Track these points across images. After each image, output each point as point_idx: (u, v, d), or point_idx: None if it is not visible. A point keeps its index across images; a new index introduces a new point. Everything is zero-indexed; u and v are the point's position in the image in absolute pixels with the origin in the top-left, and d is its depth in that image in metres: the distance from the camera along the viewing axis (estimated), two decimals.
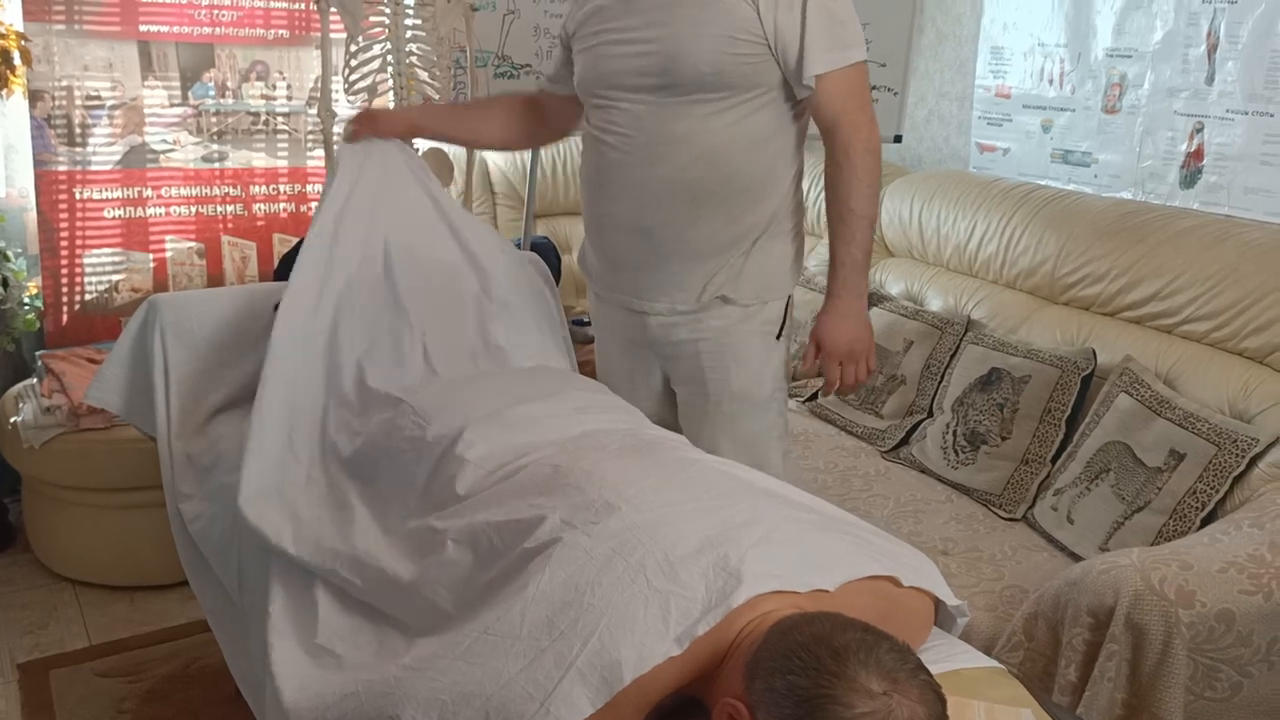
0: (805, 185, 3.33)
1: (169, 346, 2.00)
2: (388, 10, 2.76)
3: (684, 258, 1.85)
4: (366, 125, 1.98)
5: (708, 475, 1.27)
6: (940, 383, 2.53)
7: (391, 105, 2.85)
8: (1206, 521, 1.88)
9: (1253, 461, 1.89)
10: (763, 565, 1.06)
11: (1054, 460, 2.23)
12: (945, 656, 1.20)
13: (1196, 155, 2.73)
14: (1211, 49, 2.67)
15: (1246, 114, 2.60)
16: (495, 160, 3.73)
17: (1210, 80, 2.67)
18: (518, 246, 2.82)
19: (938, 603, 1.27)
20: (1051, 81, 3.08)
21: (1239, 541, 1.66)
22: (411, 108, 2.29)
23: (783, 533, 1.13)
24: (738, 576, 1.04)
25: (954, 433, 2.40)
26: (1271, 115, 2.55)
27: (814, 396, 2.82)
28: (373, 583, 1.34)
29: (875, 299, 2.83)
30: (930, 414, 2.53)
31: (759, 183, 1.82)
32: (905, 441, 2.53)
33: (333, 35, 2.82)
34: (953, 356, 2.53)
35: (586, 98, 1.92)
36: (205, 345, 2.04)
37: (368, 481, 1.57)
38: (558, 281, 2.71)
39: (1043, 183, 2.96)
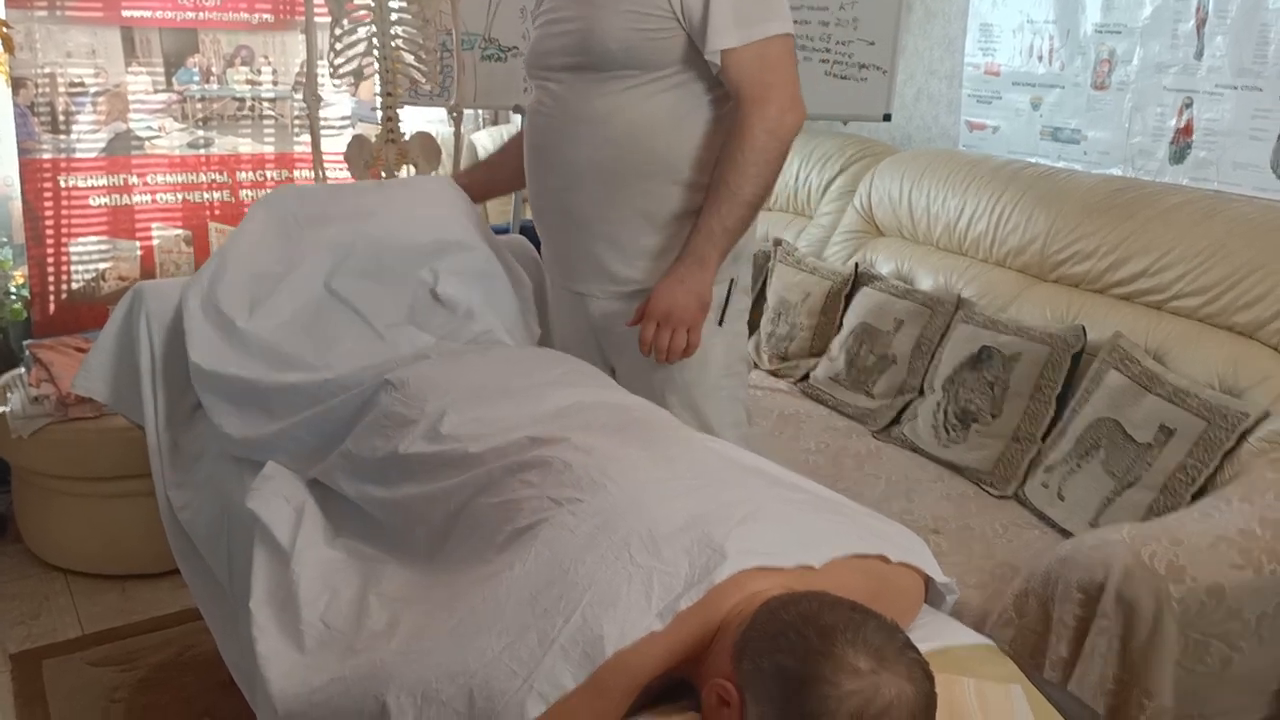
0: (792, 163, 3.31)
1: (155, 335, 1.98)
2: None
3: (607, 239, 1.84)
4: None
5: (695, 453, 1.28)
6: (931, 361, 2.53)
7: (377, 89, 2.83)
8: (1197, 497, 1.89)
9: (1242, 436, 1.89)
10: (747, 542, 1.06)
11: (1044, 438, 2.23)
12: (935, 634, 1.19)
13: (1186, 131, 2.72)
14: (1200, 24, 2.65)
15: (1235, 89, 2.59)
16: (483, 143, 3.71)
17: (1199, 55, 2.66)
18: (507, 230, 2.81)
19: (928, 580, 1.27)
20: (1040, 58, 3.07)
21: (1229, 517, 1.66)
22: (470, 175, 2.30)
23: (768, 511, 1.13)
24: (721, 552, 1.04)
25: (945, 411, 2.40)
26: (1260, 90, 2.54)
27: (805, 376, 2.81)
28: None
29: (867, 278, 2.82)
30: (921, 393, 2.53)
31: (680, 163, 1.79)
32: (897, 421, 2.53)
33: (317, 19, 2.80)
34: (943, 335, 2.53)
35: (529, 77, 1.94)
36: None
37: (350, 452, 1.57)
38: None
39: (1032, 160, 2.95)
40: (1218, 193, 2.53)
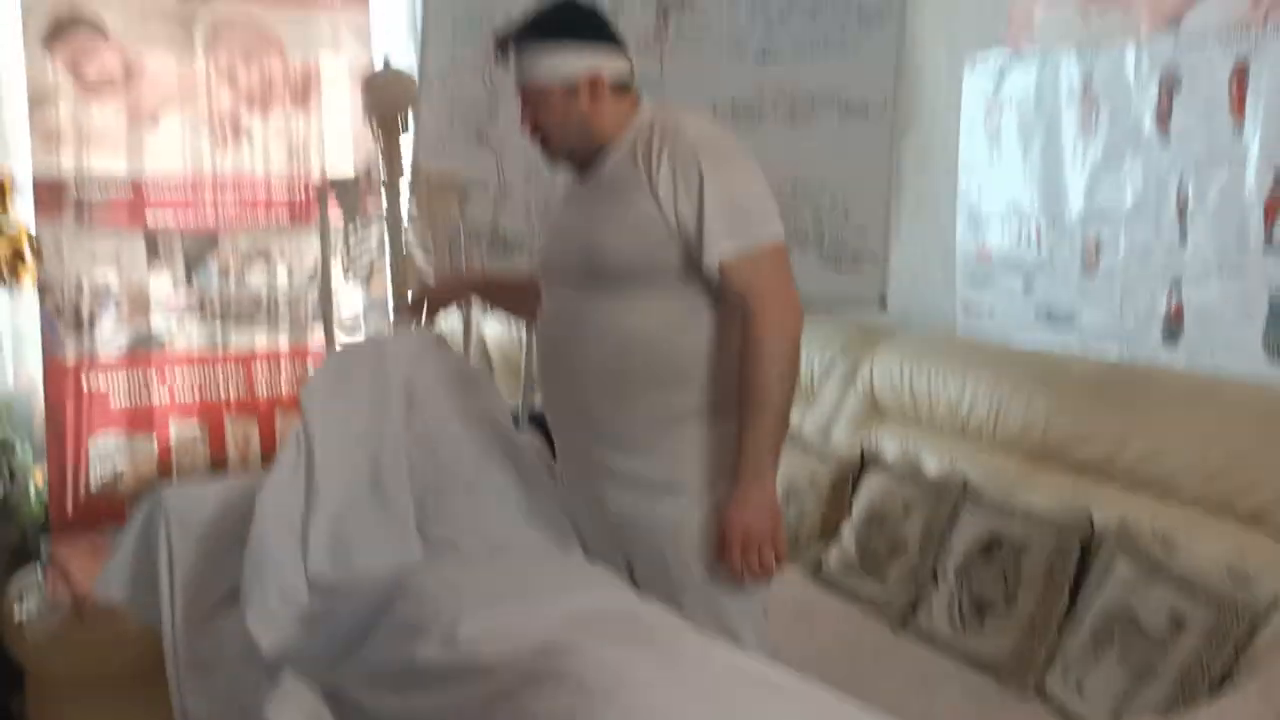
0: None
1: (174, 539, 2.03)
2: (384, 196, 2.88)
3: (619, 441, 1.89)
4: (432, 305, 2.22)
5: (705, 664, 1.30)
6: (942, 548, 2.54)
7: (389, 285, 2.95)
8: (1214, 689, 1.87)
9: (1254, 626, 1.89)
10: None
11: (1060, 628, 2.22)
12: None
13: (1176, 313, 2.80)
14: (1181, 211, 2.77)
15: (1221, 273, 2.68)
16: (492, 333, 3.81)
17: (1183, 240, 2.77)
18: (515, 418, 2.86)
19: None
20: (1030, 243, 3.18)
21: (1243, 713, 1.65)
22: (462, 275, 2.44)
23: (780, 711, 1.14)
24: None
25: (959, 601, 2.40)
26: (1246, 273, 2.63)
27: (818, 562, 2.82)
28: None
29: (873, 463, 2.86)
30: (935, 581, 2.52)
31: (686, 366, 1.86)
32: (912, 610, 2.52)
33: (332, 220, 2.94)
34: (952, 522, 2.54)
35: (540, 283, 2.04)
36: (210, 537, 2.08)
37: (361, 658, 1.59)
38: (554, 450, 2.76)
39: (1028, 341, 3.02)
40: (1213, 376, 2.59)
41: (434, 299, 2.27)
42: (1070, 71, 3.04)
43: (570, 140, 1.88)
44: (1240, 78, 2.62)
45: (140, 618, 2.14)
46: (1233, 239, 2.65)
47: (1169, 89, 2.78)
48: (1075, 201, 3.04)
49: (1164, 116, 2.80)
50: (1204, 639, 1.93)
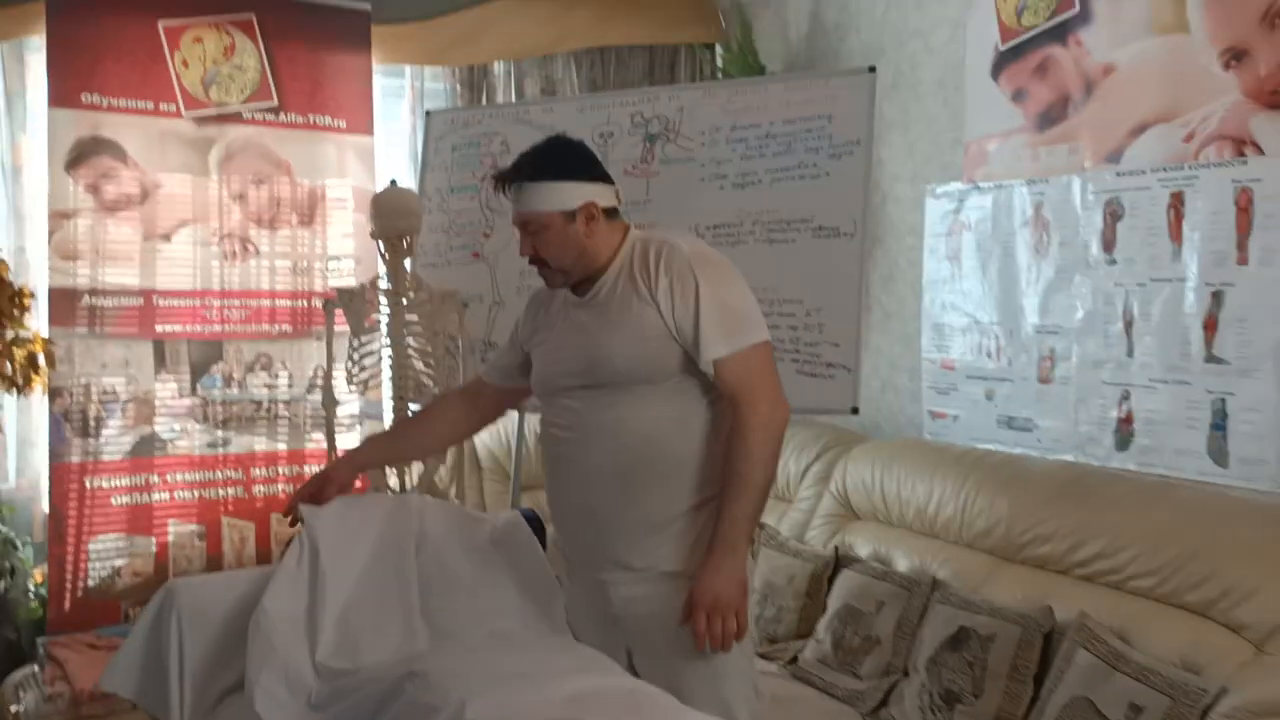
0: None
1: (185, 631, 2.11)
2: (387, 309, 3.06)
3: (627, 534, 2.03)
4: (324, 489, 2.22)
5: None
6: (913, 642, 2.66)
7: (389, 392, 3.10)
8: None
9: (1205, 712, 2.02)
10: None
11: (1025, 717, 2.34)
12: None
13: (1127, 421, 2.99)
14: (1128, 325, 2.99)
15: (1166, 383, 2.89)
16: (482, 439, 3.95)
17: (1130, 353, 2.98)
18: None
19: None
20: (990, 355, 3.40)
21: None
22: (353, 452, 2.55)
23: None
24: None
25: (930, 693, 2.51)
26: (1189, 384, 2.83)
27: (794, 659, 2.92)
28: None
29: (847, 561, 3.00)
30: (906, 673, 2.64)
31: (688, 461, 2.02)
32: (885, 703, 2.63)
33: (337, 329, 3.10)
34: (922, 616, 2.68)
35: (539, 396, 2.18)
36: (218, 629, 2.16)
37: None
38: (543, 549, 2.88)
39: (991, 447, 3.20)
40: (1163, 478, 2.77)
41: (336, 481, 2.27)
42: (1022, 200, 3.30)
43: (567, 263, 2.06)
44: (1177, 206, 2.88)
45: (148, 708, 2.22)
46: (1176, 352, 2.87)
47: (1113, 216, 3.03)
48: (1030, 317, 3.27)
49: (1109, 241, 3.05)
50: None
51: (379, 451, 2.51)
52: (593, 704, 1.53)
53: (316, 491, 2.22)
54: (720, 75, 4.25)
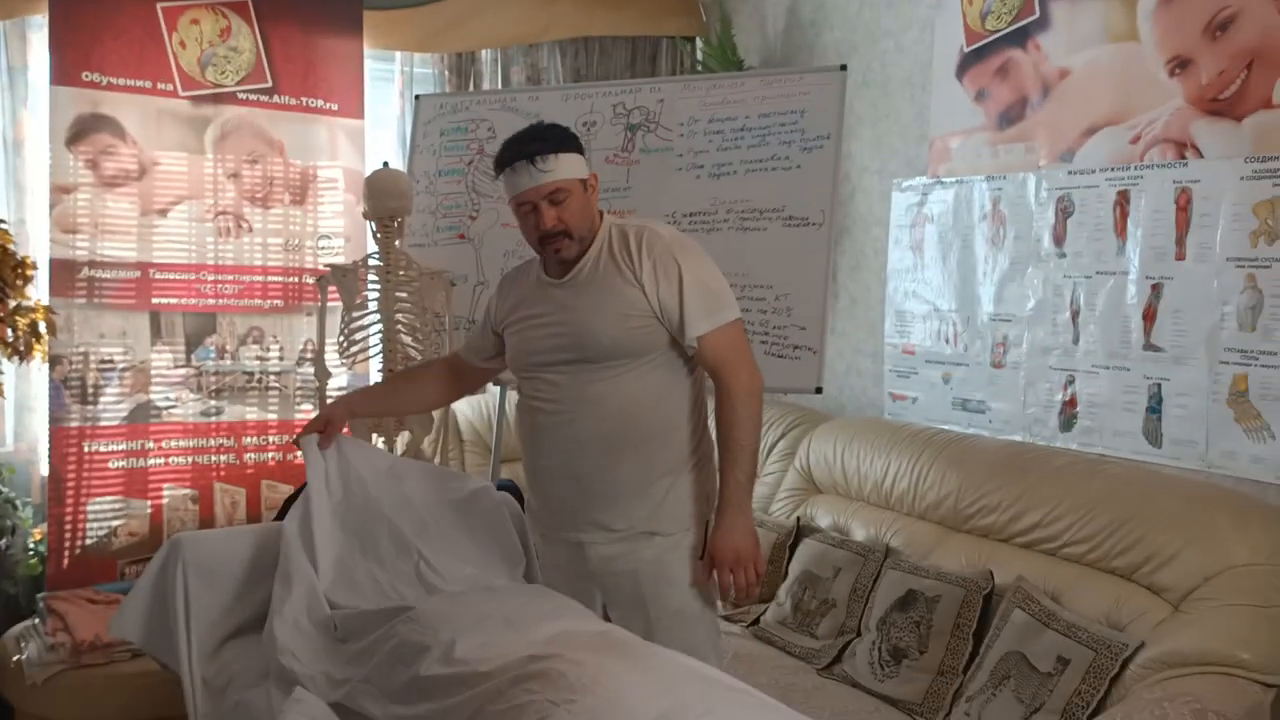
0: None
1: (189, 581, 2.27)
2: (379, 285, 3.21)
3: (609, 497, 2.21)
4: (327, 427, 2.41)
5: (664, 664, 1.59)
6: (866, 604, 2.86)
7: (379, 365, 3.25)
8: (1092, 717, 2.19)
9: (1125, 664, 2.22)
10: None
11: (965, 670, 2.54)
12: None
13: (1071, 404, 3.20)
14: (1074, 315, 3.19)
15: (1108, 369, 3.10)
16: (464, 411, 4.12)
17: (1076, 340, 3.18)
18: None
19: None
20: (948, 341, 3.59)
21: None
22: (349, 396, 2.72)
23: (723, 710, 1.44)
24: None
25: (879, 649, 2.71)
26: (1128, 369, 3.04)
27: (756, 621, 3.11)
28: None
29: (808, 531, 3.19)
30: (859, 633, 2.84)
31: (664, 429, 2.21)
32: (838, 659, 2.82)
33: (329, 305, 3.25)
34: (875, 581, 2.87)
35: (517, 372, 2.34)
36: (221, 579, 2.33)
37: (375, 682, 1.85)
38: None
39: (946, 427, 3.40)
40: (1099, 455, 2.98)
41: (332, 424, 2.44)
42: (982, 195, 3.49)
43: (585, 232, 2.20)
44: (1123, 204, 3.08)
45: (154, 653, 2.38)
46: (1117, 340, 3.07)
47: (1064, 212, 3.23)
48: (986, 306, 3.46)
49: (1060, 235, 3.24)
50: (1084, 675, 2.27)
51: (373, 402, 2.70)
52: (567, 642, 1.70)
53: (321, 428, 2.40)
54: (700, 68, 4.41)
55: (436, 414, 3.42)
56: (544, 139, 2.19)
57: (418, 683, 1.74)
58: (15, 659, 2.88)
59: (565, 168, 2.17)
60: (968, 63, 3.55)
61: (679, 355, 2.22)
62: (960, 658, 2.55)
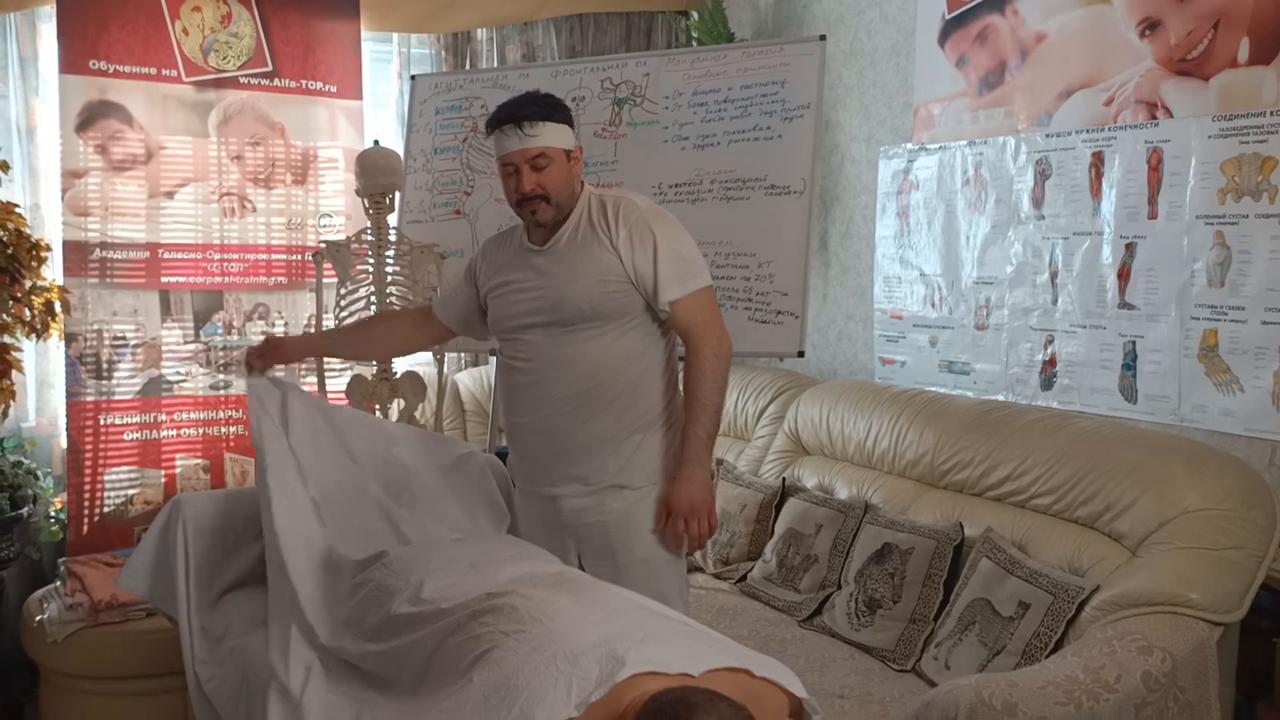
0: (731, 395, 3.83)
1: (190, 538, 2.41)
2: (371, 260, 3.33)
3: (579, 451, 2.32)
4: (271, 355, 2.58)
5: (609, 598, 1.70)
6: (845, 559, 2.95)
7: None
8: (1050, 654, 2.27)
9: (1081, 606, 2.31)
10: (642, 654, 1.47)
11: (936, 618, 2.63)
12: None
13: (1050, 363, 3.26)
14: (1053, 276, 3.25)
15: (1085, 328, 3.16)
16: (465, 382, 4.24)
17: (1055, 301, 3.25)
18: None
19: (801, 710, 1.66)
20: (934, 305, 3.66)
21: (1060, 667, 2.06)
22: (309, 335, 2.86)
23: (659, 636, 1.54)
24: (622, 661, 1.45)
25: (856, 600, 2.80)
26: (1104, 329, 3.10)
27: (744, 578, 3.22)
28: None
29: (793, 490, 3.28)
30: (839, 586, 2.93)
31: (635, 388, 2.31)
32: (818, 611, 2.92)
33: (326, 280, 3.37)
34: (855, 536, 2.96)
35: (498, 334, 2.45)
36: (219, 535, 2.46)
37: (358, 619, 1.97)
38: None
39: (933, 389, 3.47)
40: (1071, 410, 3.04)
41: (281, 352, 2.65)
42: (964, 160, 3.55)
43: (562, 199, 2.29)
44: (1098, 165, 3.13)
45: (158, 604, 2.52)
46: (1093, 299, 3.13)
47: (1042, 175, 3.29)
48: (969, 269, 3.53)
49: (1038, 198, 3.30)
50: (1043, 618, 2.35)
51: (333, 343, 2.91)
52: (524, 582, 1.81)
53: (265, 350, 2.59)
54: (694, 43, 4.48)
55: (430, 382, 3.54)
56: (535, 104, 2.28)
57: (389, 621, 1.86)
58: (38, 619, 3.04)
59: (551, 135, 2.26)
60: (949, 29, 3.60)
61: (652, 319, 2.32)
62: (931, 606, 2.64)
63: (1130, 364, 3.03)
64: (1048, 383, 3.27)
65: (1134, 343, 3.02)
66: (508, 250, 2.44)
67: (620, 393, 2.30)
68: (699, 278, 2.30)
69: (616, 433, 2.31)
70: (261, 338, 3.76)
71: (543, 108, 2.27)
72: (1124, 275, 3.06)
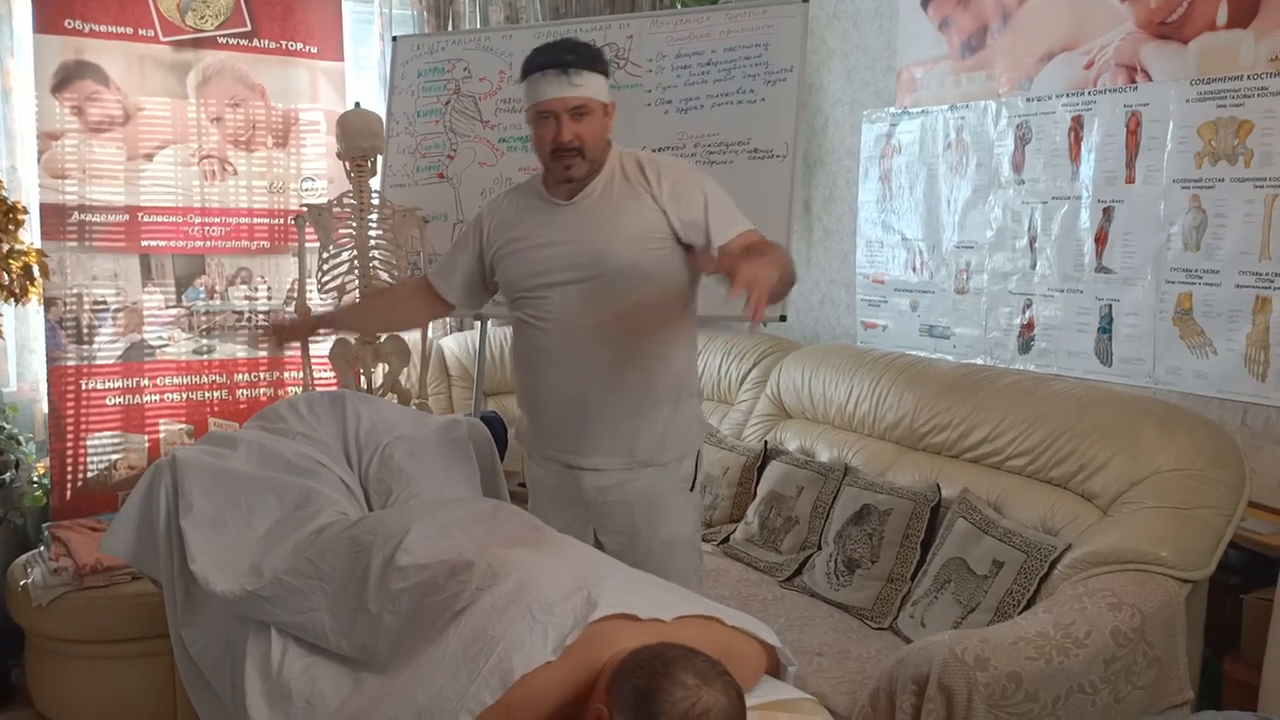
0: (715, 359, 3.85)
1: (172, 501, 2.41)
2: (354, 223, 3.32)
3: (611, 419, 2.22)
4: (285, 333, 2.57)
5: (582, 554, 1.74)
6: (826, 520, 2.99)
7: (357, 301, 3.37)
8: (1022, 611, 2.32)
9: (1053, 564, 2.35)
10: (614, 598, 1.51)
11: (913, 577, 2.67)
12: (770, 691, 1.62)
13: (1029, 327, 3.30)
14: (1031, 241, 3.27)
15: (1062, 292, 3.19)
16: (450, 347, 4.24)
17: (1033, 266, 3.27)
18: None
19: (777, 663, 1.70)
20: (915, 269, 3.68)
21: (1031, 623, 2.10)
22: (321, 313, 2.81)
23: (632, 585, 1.58)
24: (594, 604, 1.49)
25: (835, 560, 2.84)
26: (1081, 292, 3.13)
27: (726, 540, 3.25)
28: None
29: (775, 453, 3.31)
30: (819, 547, 2.97)
31: (666, 351, 2.24)
32: (799, 572, 2.96)
33: (308, 245, 3.36)
34: (835, 498, 3.00)
35: (515, 294, 2.31)
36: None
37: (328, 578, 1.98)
38: (504, 450, 3.17)
39: (913, 353, 3.50)
40: (1048, 373, 3.08)
41: (293, 330, 2.62)
42: (945, 124, 3.55)
43: (597, 152, 2.21)
44: (1076, 130, 3.15)
45: (140, 567, 2.53)
46: (1071, 263, 3.16)
47: (1022, 139, 3.30)
48: (950, 234, 3.55)
49: (1018, 162, 3.32)
50: (1016, 576, 2.39)
51: (335, 321, 2.73)
52: (502, 541, 1.84)
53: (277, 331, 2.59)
54: (677, 4, 4.46)
55: (414, 347, 3.54)
56: (578, 52, 2.16)
57: (366, 580, 1.87)
58: (22, 584, 3.05)
59: (593, 86, 2.18)
60: None
61: (687, 280, 2.24)
62: (908, 566, 2.68)
63: (1106, 327, 3.07)
64: (1025, 346, 3.30)
65: (1110, 306, 3.05)
66: (522, 205, 2.32)
67: (654, 355, 2.22)
68: (743, 221, 2.21)
69: (648, 400, 2.23)
70: (245, 302, 3.79)
71: (587, 57, 2.17)
72: (1101, 239, 3.08)
